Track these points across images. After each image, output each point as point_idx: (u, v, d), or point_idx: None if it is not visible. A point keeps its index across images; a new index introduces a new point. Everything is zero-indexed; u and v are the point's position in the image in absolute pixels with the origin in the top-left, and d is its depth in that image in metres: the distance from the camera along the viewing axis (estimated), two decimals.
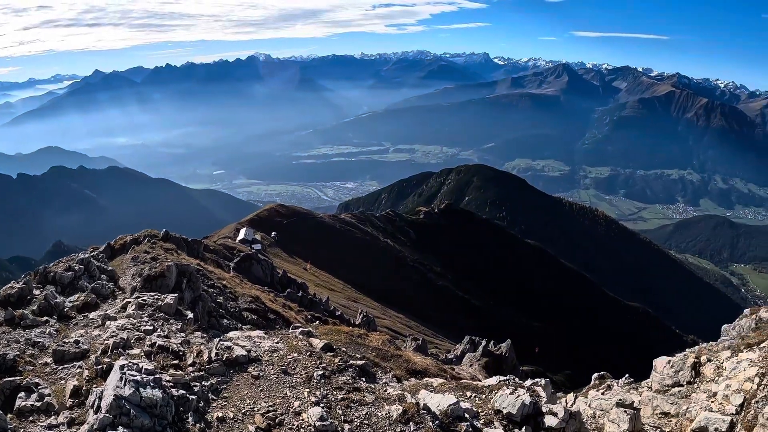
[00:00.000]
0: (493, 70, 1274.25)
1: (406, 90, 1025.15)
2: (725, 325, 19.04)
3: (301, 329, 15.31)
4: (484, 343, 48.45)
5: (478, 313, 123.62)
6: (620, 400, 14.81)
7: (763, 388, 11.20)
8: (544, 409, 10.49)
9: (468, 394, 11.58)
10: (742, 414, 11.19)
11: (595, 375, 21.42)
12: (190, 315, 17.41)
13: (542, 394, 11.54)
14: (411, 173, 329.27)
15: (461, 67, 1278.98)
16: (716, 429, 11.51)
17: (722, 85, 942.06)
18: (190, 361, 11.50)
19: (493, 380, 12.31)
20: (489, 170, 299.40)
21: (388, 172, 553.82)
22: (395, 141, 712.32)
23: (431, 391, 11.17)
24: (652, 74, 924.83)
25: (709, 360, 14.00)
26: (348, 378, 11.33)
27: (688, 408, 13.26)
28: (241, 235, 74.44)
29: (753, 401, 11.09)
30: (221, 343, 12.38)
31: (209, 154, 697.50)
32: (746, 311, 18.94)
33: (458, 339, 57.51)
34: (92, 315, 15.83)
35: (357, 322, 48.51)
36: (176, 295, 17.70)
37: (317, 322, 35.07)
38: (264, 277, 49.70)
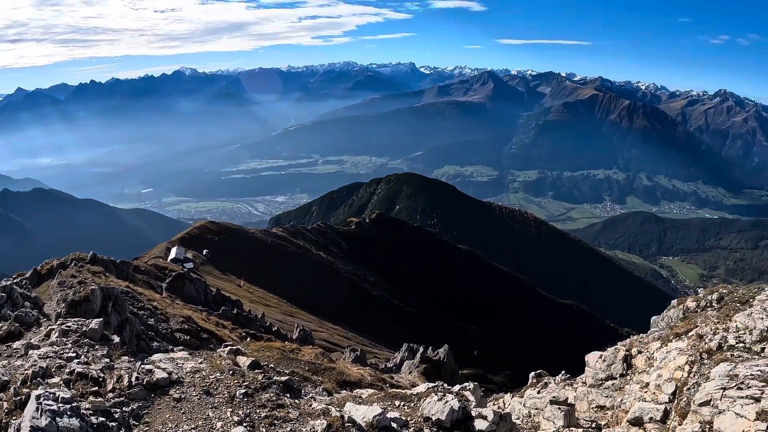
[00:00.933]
0: (420, 80, 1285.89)
1: (334, 101, 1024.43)
2: (654, 317, 19.52)
3: (229, 348, 15.00)
4: (422, 349, 48.61)
5: (415, 321, 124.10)
6: (554, 397, 14.99)
7: (694, 375, 11.39)
8: (473, 413, 10.44)
9: (397, 403, 11.47)
10: (675, 402, 11.39)
11: (533, 374, 21.71)
12: (117, 339, 16.91)
13: (471, 398, 11.50)
14: (341, 184, 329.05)
15: (388, 77, 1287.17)
16: (651, 418, 11.71)
17: (644, 87, 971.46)
18: (110, 387, 11.13)
19: (422, 387, 12.23)
20: (418, 178, 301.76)
21: (318, 184, 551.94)
22: (324, 153, 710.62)
23: (359, 403, 11.03)
24: (576, 79, 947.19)
25: (639, 352, 14.32)
26: (272, 395, 11.12)
27: (622, 400, 13.51)
28: (173, 254, 72.96)
29: (684, 389, 11.29)
30: (142, 366, 12.03)
31: (137, 172, 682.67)
32: (673, 302, 19.46)
33: (397, 347, 57.57)
34: (16, 344, 15.28)
35: (294, 337, 48.15)
36: (101, 319, 17.13)
37: (249, 339, 34.63)
38: (197, 296, 48.91)
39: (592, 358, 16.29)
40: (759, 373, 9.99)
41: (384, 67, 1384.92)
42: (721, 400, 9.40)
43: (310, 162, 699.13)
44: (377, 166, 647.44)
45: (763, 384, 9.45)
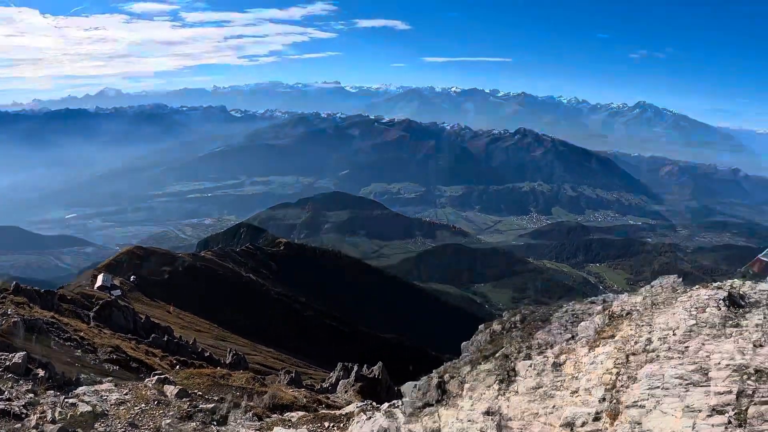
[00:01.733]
0: (346, 98, 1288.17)
1: (261, 121, 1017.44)
2: (464, 342, 20.05)
3: (157, 377, 14.82)
4: (356, 368, 48.52)
5: (349, 339, 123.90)
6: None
7: (504, 394, 11.80)
8: (402, 430, 10.58)
9: (326, 424, 11.55)
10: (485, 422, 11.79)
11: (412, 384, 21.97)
12: (42, 373, 16.47)
13: (399, 415, 11.66)
14: (268, 205, 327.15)
15: (314, 96, 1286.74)
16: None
17: (565, 101, 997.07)
18: (33, 423, 10.87)
19: (351, 407, 12.38)
20: (346, 197, 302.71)
21: (245, 205, 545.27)
22: (251, 173, 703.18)
23: (288, 427, 11.06)
24: (499, 94, 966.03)
25: (452, 377, 14.74)
26: (197, 423, 11.03)
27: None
28: (99, 281, 71.44)
29: (497, 407, 11.67)
30: (66, 400, 11.79)
31: (61, 197, 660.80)
32: (481, 327, 20.12)
33: (332, 367, 57.42)
34: None
35: (227, 362, 47.53)
36: (25, 353, 16.70)
37: (179, 366, 34.10)
38: (126, 324, 47.80)
39: (407, 388, 16.72)
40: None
41: (310, 86, 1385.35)
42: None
43: (237, 183, 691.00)
44: (304, 186, 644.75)
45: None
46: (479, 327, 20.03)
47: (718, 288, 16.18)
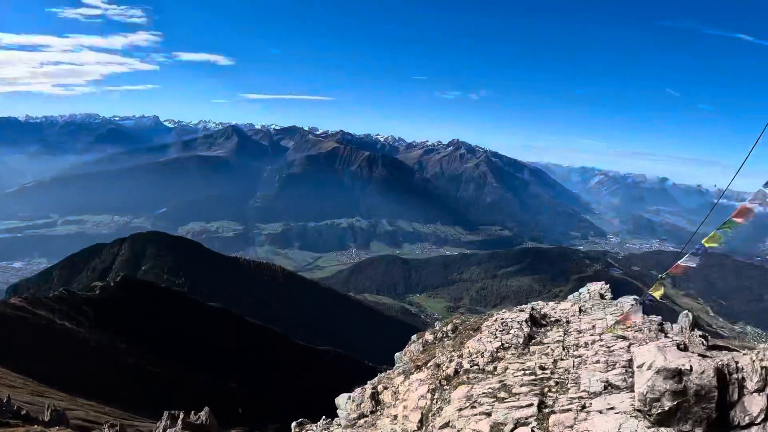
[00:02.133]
0: (164, 133, 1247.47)
1: (74, 156, 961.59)
2: (397, 353, 21.54)
3: None
4: (182, 415, 47.98)
5: (174, 385, 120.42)
6: None
7: (436, 402, 13.33)
8: None
9: None
10: (423, 429, 13.10)
11: (294, 423, 22.70)
12: None
13: (335, 429, 12.55)
14: (82, 246, 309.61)
15: (132, 130, 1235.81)
16: None
17: (383, 139, 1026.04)
18: None
19: None
20: (164, 237, 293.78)
21: (57, 246, 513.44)
22: (63, 212, 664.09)
23: None
24: (318, 132, 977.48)
25: (386, 387, 16.12)
26: None
27: None
28: None
29: (429, 415, 12.85)
30: None
31: None
32: (413, 337, 21.56)
33: (158, 416, 56.24)
34: None
35: (46, 419, 45.65)
36: None
37: None
38: None
39: (341, 399, 17.94)
40: (490, 390, 12.27)
41: (128, 119, 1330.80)
42: (458, 420, 11.47)
43: (48, 222, 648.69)
44: (120, 225, 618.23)
45: (494, 400, 11.72)
46: (412, 337, 21.24)
47: (521, 311, 18.51)
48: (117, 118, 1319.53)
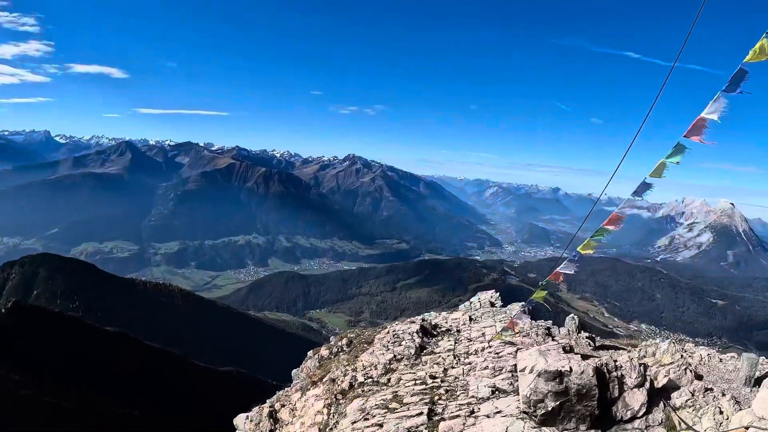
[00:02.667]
0: (55, 149, 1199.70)
1: None
2: (294, 370, 21.57)
3: None
4: None
5: (73, 415, 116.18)
6: None
7: (333, 416, 13.47)
8: None
9: None
10: None
11: None
12: None
13: None
14: None
15: (21, 146, 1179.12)
16: None
17: (278, 155, 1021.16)
18: None
19: None
20: (55, 259, 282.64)
21: None
22: None
23: None
24: (214, 148, 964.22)
25: (283, 405, 16.12)
26: None
27: None
28: None
29: (327, 429, 13.20)
30: None
31: None
32: (309, 353, 21.69)
33: None
34: None
35: None
36: None
37: None
38: None
39: (240, 420, 17.82)
40: (383, 401, 12.48)
41: (17, 134, 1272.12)
42: None
43: None
44: (9, 247, 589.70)
45: (386, 411, 11.94)
46: (308, 353, 21.05)
47: (411, 322, 18.89)
48: (6, 133, 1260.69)
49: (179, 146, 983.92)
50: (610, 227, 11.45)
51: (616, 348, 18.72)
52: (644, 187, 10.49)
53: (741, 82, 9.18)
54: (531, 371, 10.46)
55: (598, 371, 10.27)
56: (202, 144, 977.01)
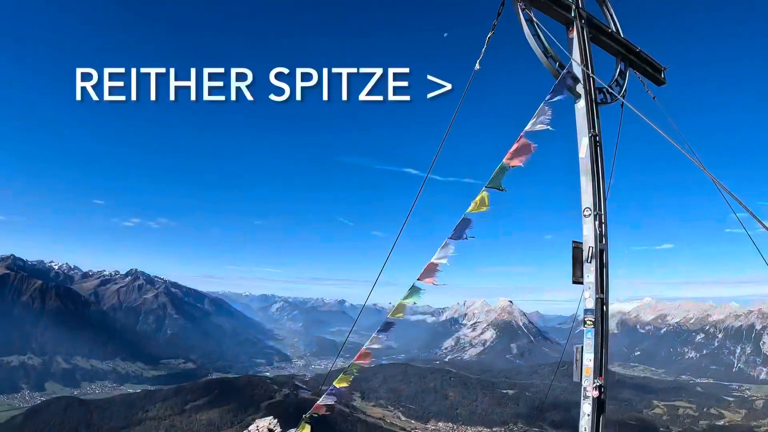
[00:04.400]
0: None
1: None
2: None
3: None
4: None
5: None
6: None
7: None
8: None
9: None
10: None
11: None
12: None
13: None
14: None
15: None
16: None
17: (57, 267, 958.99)
18: None
19: None
20: None
21: None
22: None
23: None
24: None
25: None
26: None
27: None
28: None
29: None
30: None
31: None
32: None
33: None
34: None
35: None
36: None
37: None
38: None
39: None
40: None
41: None
42: None
43: None
44: None
45: None
46: None
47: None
48: None
49: None
50: (361, 362, 12.96)
51: None
52: (387, 326, 12.55)
53: (466, 229, 10.69)
54: None
55: None
56: None
